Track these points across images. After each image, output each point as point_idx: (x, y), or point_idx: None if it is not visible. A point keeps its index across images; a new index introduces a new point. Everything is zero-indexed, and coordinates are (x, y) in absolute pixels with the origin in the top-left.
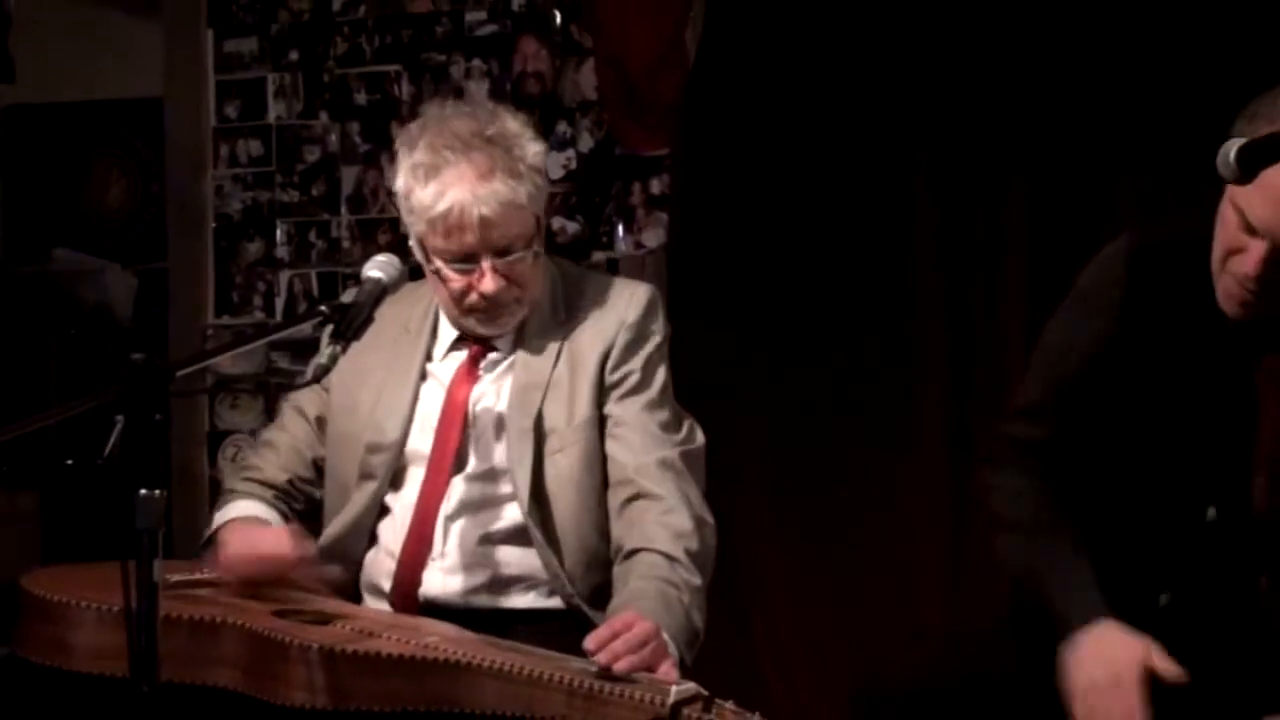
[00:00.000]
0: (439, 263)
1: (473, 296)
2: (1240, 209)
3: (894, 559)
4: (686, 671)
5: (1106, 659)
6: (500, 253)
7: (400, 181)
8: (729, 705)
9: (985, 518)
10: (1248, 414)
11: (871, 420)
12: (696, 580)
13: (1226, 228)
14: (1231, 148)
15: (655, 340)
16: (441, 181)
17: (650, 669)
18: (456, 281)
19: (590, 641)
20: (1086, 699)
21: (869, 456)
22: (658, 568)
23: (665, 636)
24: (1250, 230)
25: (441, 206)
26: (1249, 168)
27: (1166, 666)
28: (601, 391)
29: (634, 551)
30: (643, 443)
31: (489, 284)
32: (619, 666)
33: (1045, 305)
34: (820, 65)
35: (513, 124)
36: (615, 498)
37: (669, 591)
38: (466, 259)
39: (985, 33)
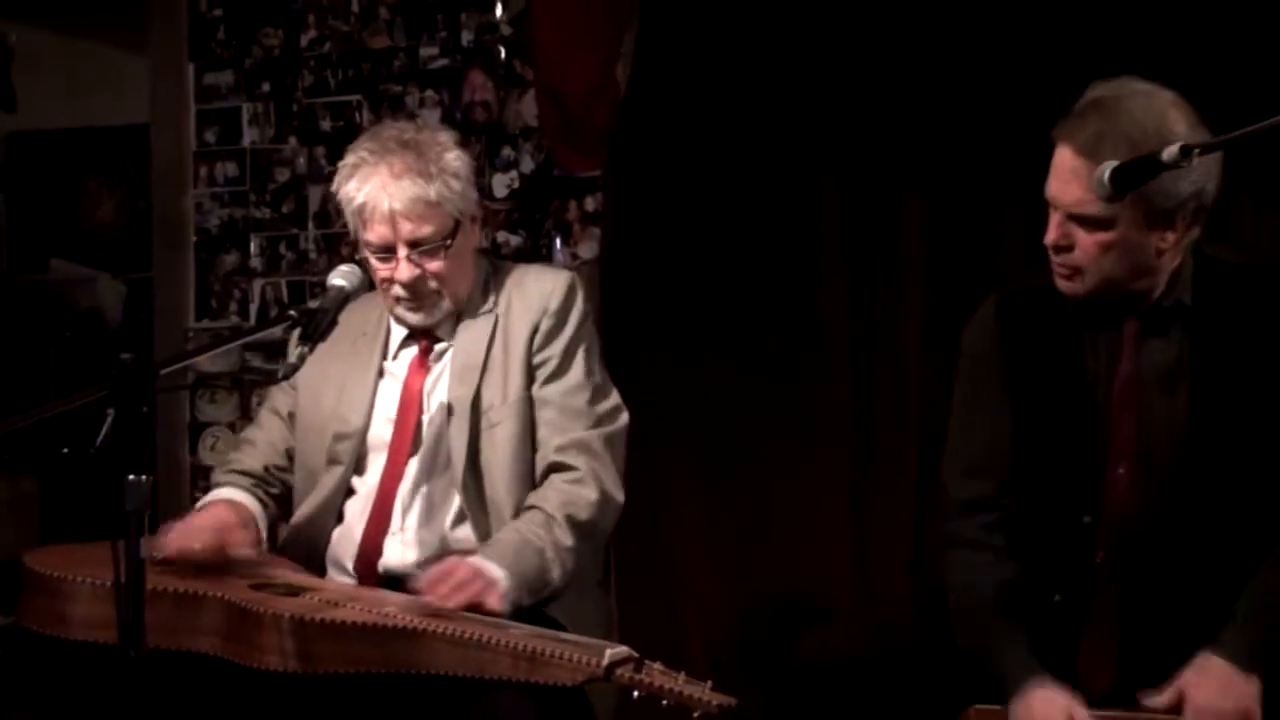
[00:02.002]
0: (368, 254)
1: (395, 286)
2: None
3: (803, 537)
4: (523, 611)
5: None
6: (413, 245)
7: (335, 181)
8: (657, 665)
9: (948, 597)
10: (1108, 423)
11: (783, 409)
12: (568, 541)
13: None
14: (1105, 170)
15: (573, 323)
16: (361, 178)
17: (477, 606)
18: (381, 270)
19: (421, 583)
20: None
21: (782, 442)
22: (533, 522)
23: (497, 577)
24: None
25: (359, 200)
26: (1121, 187)
27: None
28: (531, 371)
29: (527, 508)
30: (563, 423)
31: (403, 272)
32: (449, 605)
33: (939, 301)
34: (738, 96)
35: (440, 136)
36: (538, 471)
37: (530, 542)
38: (385, 250)
39: (886, 70)
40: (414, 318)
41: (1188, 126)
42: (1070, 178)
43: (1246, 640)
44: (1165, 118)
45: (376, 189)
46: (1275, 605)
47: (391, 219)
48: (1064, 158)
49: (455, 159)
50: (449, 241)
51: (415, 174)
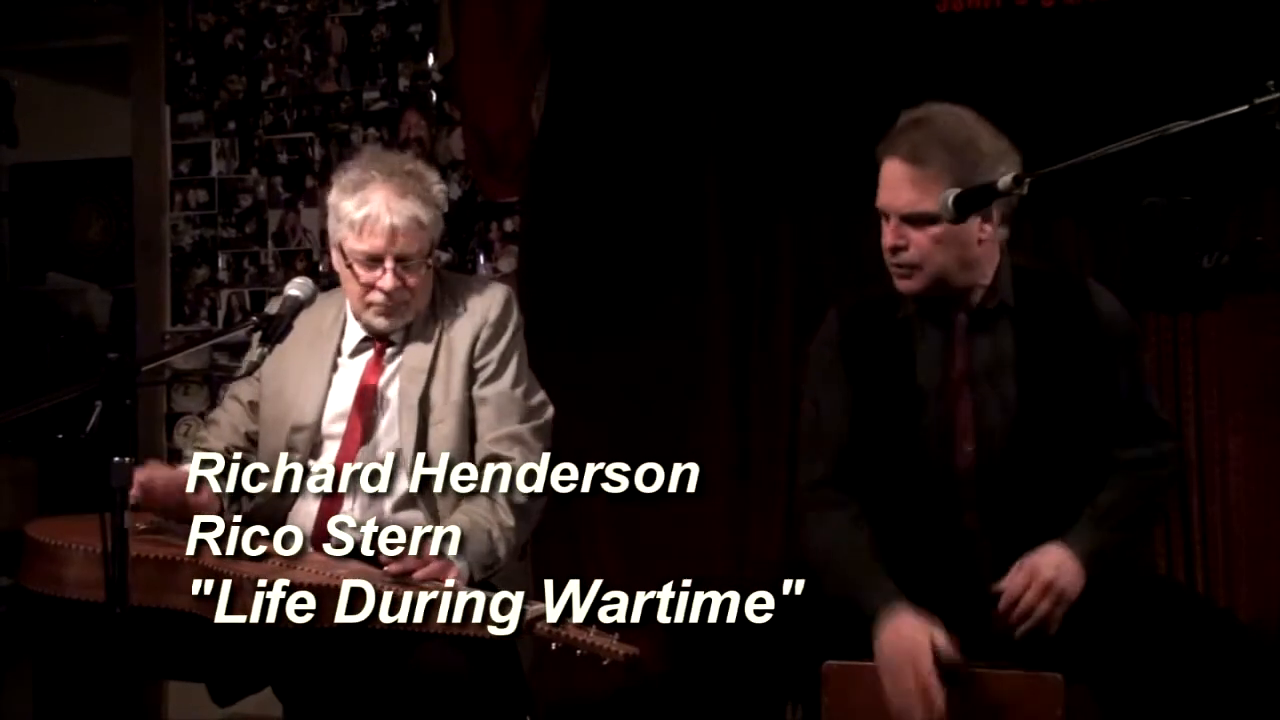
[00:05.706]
0: (352, 261)
1: (374, 293)
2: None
3: (690, 512)
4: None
5: (902, 641)
6: (400, 259)
7: (333, 193)
8: (571, 621)
9: (808, 557)
10: (949, 408)
11: (673, 401)
12: (510, 521)
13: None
14: (949, 195)
15: (509, 333)
16: (365, 193)
17: (439, 578)
18: (364, 278)
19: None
20: (890, 674)
21: (672, 429)
22: (480, 506)
23: (454, 558)
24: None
25: (361, 213)
26: (963, 211)
27: (946, 646)
28: (471, 374)
29: (471, 494)
30: (498, 419)
31: (388, 281)
32: (416, 576)
33: (805, 307)
34: (636, 134)
35: (431, 171)
36: (476, 460)
37: (480, 524)
38: (373, 259)
39: (761, 117)
40: (382, 323)
41: (989, 135)
42: (900, 184)
43: (1083, 541)
44: (971, 128)
45: (380, 205)
46: (1107, 518)
47: (390, 233)
48: (893, 168)
49: (440, 192)
50: (429, 260)
51: (415, 196)
